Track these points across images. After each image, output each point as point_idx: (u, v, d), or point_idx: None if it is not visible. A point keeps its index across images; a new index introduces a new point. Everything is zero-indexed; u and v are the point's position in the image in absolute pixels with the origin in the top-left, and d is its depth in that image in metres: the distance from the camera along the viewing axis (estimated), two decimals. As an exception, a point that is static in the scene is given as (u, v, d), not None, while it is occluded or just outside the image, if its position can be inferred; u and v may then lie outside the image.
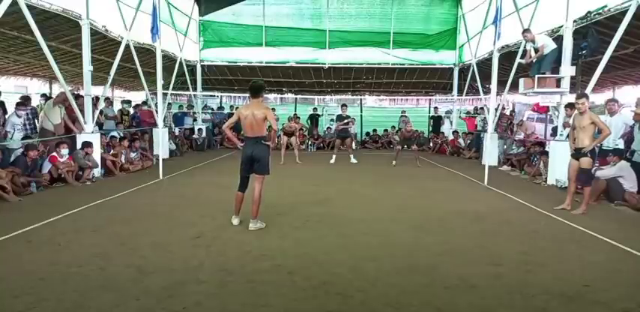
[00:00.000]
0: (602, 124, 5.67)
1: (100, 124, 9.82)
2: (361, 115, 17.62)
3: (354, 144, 15.53)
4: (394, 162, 10.77)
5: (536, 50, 8.24)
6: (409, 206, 6.20)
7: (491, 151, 9.92)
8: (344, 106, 12.15)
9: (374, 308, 2.97)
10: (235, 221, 4.96)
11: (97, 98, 9.49)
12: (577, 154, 5.83)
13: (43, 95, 9.65)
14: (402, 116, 16.61)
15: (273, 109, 16.89)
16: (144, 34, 11.02)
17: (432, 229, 4.97)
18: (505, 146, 11.04)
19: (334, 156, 11.46)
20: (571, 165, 5.97)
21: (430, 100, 18.00)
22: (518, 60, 9.27)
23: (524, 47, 9.69)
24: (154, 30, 8.39)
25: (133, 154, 9.50)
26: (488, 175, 7.90)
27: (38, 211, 5.44)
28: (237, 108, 16.95)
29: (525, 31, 8.43)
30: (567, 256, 4.07)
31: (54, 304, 2.93)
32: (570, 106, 8.09)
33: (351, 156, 11.57)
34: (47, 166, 7.27)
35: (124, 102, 13.41)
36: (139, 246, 4.16)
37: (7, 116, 8.40)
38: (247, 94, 5.10)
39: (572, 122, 6.12)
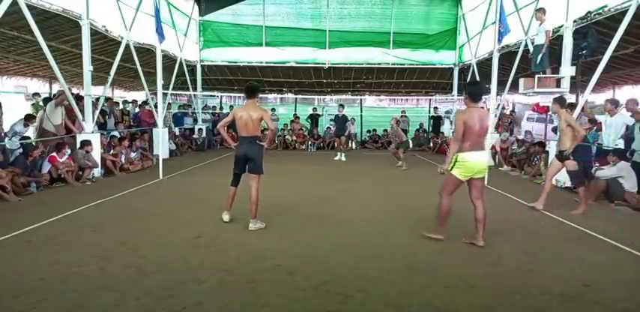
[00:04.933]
0: (576, 126, 5.70)
1: (101, 124, 9.82)
2: (361, 115, 17.63)
3: (354, 144, 15.62)
4: (400, 163, 10.25)
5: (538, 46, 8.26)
6: (409, 206, 6.20)
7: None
8: (341, 106, 12.36)
9: (374, 308, 2.97)
10: (226, 217, 4.99)
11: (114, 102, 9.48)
12: (560, 155, 5.89)
13: (46, 99, 9.66)
14: (401, 116, 16.62)
15: (273, 110, 17.12)
16: (144, 34, 11.03)
17: (432, 229, 4.96)
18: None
19: (339, 153, 11.74)
20: (553, 164, 6.08)
21: (430, 100, 18.00)
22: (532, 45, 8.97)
23: (525, 47, 9.71)
24: (159, 29, 8.39)
25: (133, 154, 9.50)
26: (488, 175, 7.87)
27: (38, 211, 5.44)
28: (231, 106, 17.11)
29: (539, 10, 8.25)
30: (567, 256, 4.07)
31: (54, 304, 2.93)
32: (570, 106, 8.09)
33: (343, 154, 11.89)
34: (47, 166, 7.27)
35: (124, 102, 13.42)
36: (139, 246, 4.16)
37: (3, 118, 8.40)
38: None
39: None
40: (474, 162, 4.07)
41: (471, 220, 4.46)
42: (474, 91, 4.21)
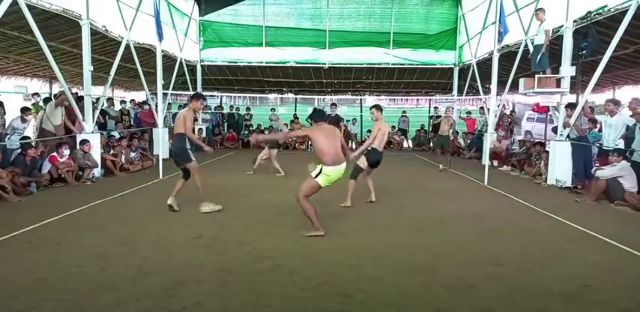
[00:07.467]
0: (374, 133, 6.14)
1: (101, 124, 9.82)
2: (361, 115, 17.62)
3: (354, 144, 15.62)
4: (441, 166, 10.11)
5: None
6: (409, 206, 6.20)
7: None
8: (333, 105, 12.21)
9: (374, 308, 2.97)
10: (170, 200, 5.52)
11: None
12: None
13: (46, 99, 9.67)
14: (402, 116, 16.67)
15: (273, 110, 17.17)
16: (144, 34, 11.03)
17: (432, 229, 4.97)
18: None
19: None
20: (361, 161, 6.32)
21: (430, 100, 18.01)
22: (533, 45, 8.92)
23: (525, 47, 9.71)
24: (158, 29, 8.40)
25: (132, 154, 9.49)
26: (488, 175, 7.90)
27: (38, 211, 5.44)
28: (231, 106, 17.07)
29: (539, 10, 8.21)
30: (567, 256, 4.07)
31: (54, 304, 2.93)
32: (570, 106, 8.10)
33: None
34: (47, 166, 7.27)
35: (123, 102, 13.43)
36: (139, 246, 4.16)
37: (6, 117, 8.41)
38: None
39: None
40: (334, 175, 4.63)
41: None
42: (314, 115, 4.97)
